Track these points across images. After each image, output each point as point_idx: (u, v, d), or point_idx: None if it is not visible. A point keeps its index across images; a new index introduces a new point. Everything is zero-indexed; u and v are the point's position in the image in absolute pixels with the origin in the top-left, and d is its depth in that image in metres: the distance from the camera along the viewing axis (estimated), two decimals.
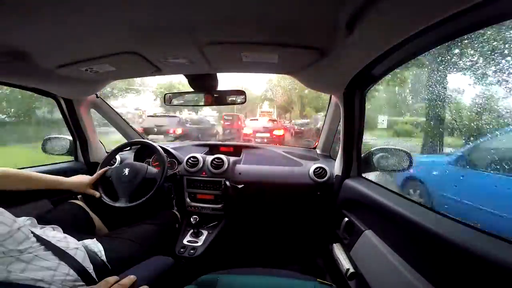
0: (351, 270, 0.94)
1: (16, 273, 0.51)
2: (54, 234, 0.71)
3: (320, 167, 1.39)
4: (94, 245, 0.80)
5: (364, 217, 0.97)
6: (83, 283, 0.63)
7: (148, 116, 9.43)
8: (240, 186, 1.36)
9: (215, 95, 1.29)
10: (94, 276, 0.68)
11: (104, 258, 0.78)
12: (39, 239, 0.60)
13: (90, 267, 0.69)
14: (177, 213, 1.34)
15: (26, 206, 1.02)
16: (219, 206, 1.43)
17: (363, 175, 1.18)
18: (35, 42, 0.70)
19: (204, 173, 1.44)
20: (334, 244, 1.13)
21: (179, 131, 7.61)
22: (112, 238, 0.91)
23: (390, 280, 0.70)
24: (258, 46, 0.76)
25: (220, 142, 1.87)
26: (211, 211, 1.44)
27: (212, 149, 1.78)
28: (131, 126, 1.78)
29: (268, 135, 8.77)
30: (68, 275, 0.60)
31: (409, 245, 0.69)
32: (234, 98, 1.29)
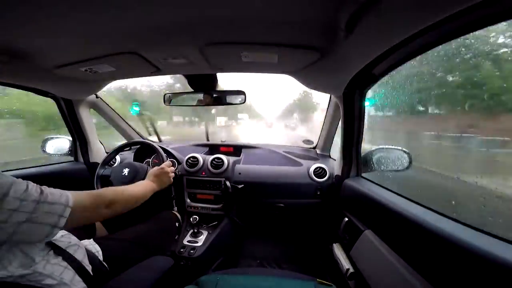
0: (351, 270, 0.94)
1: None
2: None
3: (320, 167, 1.39)
4: (92, 246, 0.80)
5: (364, 217, 0.97)
6: (81, 280, 0.63)
7: None
8: (240, 186, 1.36)
9: (214, 95, 1.29)
10: (92, 275, 0.68)
11: (101, 258, 0.78)
12: None
13: (89, 266, 0.69)
14: (177, 213, 1.34)
15: None
16: (219, 206, 1.43)
17: (363, 175, 1.18)
18: (35, 42, 0.70)
19: (204, 173, 1.44)
20: (334, 244, 1.13)
21: None
22: (110, 239, 0.91)
23: (390, 280, 0.70)
24: (258, 46, 0.76)
25: (220, 142, 1.87)
26: (211, 211, 1.44)
27: (212, 149, 1.78)
28: (131, 126, 1.78)
29: None
30: (66, 269, 0.61)
31: (408, 245, 0.69)
32: (233, 98, 1.29)
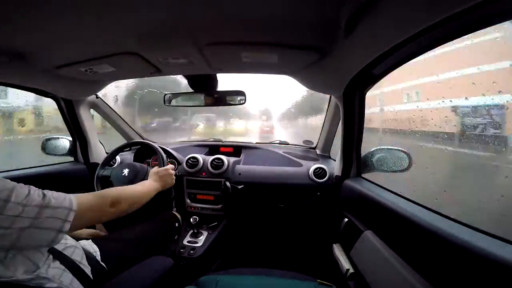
0: (351, 270, 0.93)
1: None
2: None
3: (320, 168, 1.39)
4: (90, 246, 0.80)
5: (364, 217, 0.97)
6: (79, 282, 0.63)
7: None
8: (240, 187, 1.36)
9: (214, 96, 1.29)
10: (91, 276, 0.68)
11: (99, 258, 0.78)
12: None
13: (88, 267, 0.69)
14: (177, 214, 1.34)
15: None
16: (219, 206, 1.43)
17: (363, 175, 1.18)
18: (35, 42, 0.70)
19: (204, 174, 1.44)
20: (334, 245, 1.13)
21: None
22: (109, 240, 0.91)
23: (390, 280, 0.70)
24: (258, 47, 0.76)
25: (220, 143, 1.87)
26: (211, 212, 1.44)
27: (212, 149, 1.78)
28: (131, 127, 1.78)
29: None
30: (65, 272, 0.60)
31: (408, 245, 0.69)
32: (233, 99, 1.29)
